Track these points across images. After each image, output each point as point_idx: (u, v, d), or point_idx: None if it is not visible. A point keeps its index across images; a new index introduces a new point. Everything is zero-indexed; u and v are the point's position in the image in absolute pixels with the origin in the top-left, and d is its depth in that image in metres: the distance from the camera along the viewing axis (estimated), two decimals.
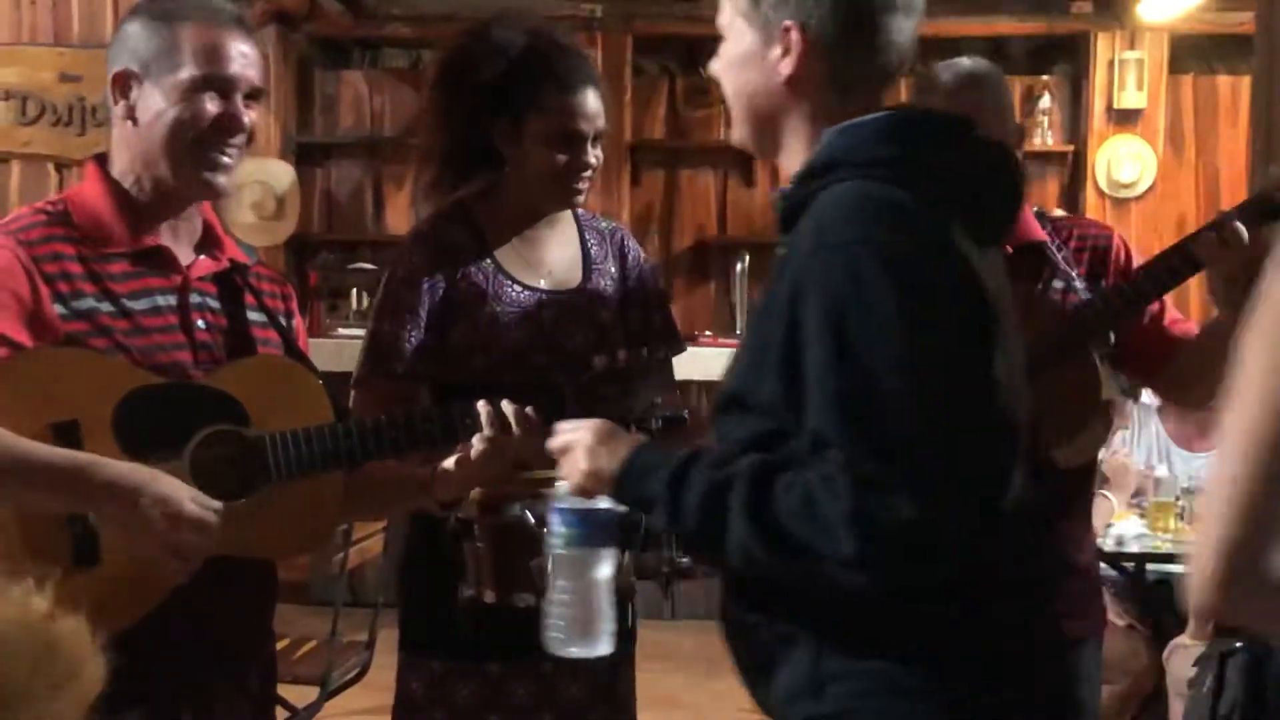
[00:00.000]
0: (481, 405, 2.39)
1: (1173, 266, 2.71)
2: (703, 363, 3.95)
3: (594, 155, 2.99)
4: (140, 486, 2.15)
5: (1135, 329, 2.85)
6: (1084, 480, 2.98)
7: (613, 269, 3.12)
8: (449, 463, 2.46)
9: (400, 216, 8.37)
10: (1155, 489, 5.01)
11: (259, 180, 7.61)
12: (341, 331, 7.66)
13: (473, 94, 2.98)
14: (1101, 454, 4.97)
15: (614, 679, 3.03)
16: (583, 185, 3.00)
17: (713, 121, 8.44)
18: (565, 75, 2.97)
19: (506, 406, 2.39)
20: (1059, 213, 7.72)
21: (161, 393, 2.27)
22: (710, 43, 7.49)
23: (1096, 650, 2.97)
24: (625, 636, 3.03)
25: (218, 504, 2.20)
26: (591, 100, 2.98)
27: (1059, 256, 2.91)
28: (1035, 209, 3.02)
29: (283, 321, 2.53)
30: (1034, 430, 2.70)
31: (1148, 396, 5.29)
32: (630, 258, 3.17)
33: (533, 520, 2.51)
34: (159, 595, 2.23)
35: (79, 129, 5.78)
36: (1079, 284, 2.88)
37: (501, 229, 3.03)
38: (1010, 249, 2.89)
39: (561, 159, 2.95)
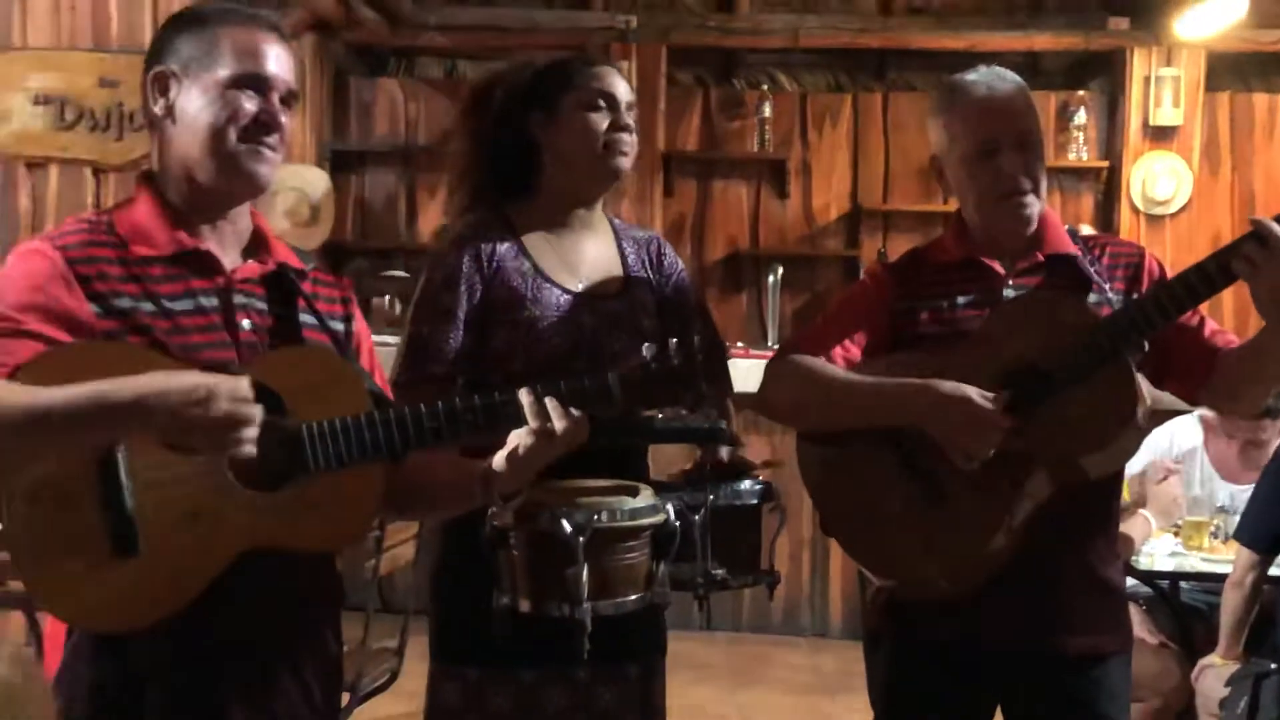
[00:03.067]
0: (524, 394, 2.36)
1: (1207, 275, 2.69)
2: (735, 375, 3.94)
3: (630, 122, 3.04)
4: (165, 384, 2.12)
5: (1175, 342, 2.83)
6: (1109, 494, 2.97)
7: (650, 277, 3.14)
8: (499, 460, 2.43)
9: (433, 224, 8.39)
10: (1190, 508, 4.99)
11: (294, 187, 7.64)
12: (374, 338, 7.66)
13: (505, 100, 3.08)
14: (1148, 470, 4.97)
15: (647, 688, 3.03)
16: (624, 151, 3.04)
17: (746, 133, 8.44)
18: (592, 59, 3.15)
19: (548, 399, 2.38)
20: (1088, 230, 7.76)
21: None
22: (745, 54, 7.58)
23: (1125, 666, 2.95)
24: (657, 646, 3.05)
25: (245, 380, 2.17)
26: (620, 77, 3.10)
27: (1092, 270, 2.91)
28: (1066, 226, 3.01)
29: (337, 325, 2.53)
30: (1066, 438, 2.73)
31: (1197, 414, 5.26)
32: (667, 265, 3.18)
33: (568, 529, 2.51)
34: (200, 584, 2.23)
35: (117, 134, 5.80)
36: (1113, 297, 2.87)
37: (539, 232, 3.06)
38: (1042, 258, 2.90)
39: (601, 118, 3.02)
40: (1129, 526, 4.70)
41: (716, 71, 8.66)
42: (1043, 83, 8.30)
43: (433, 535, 3.12)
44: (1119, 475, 2.98)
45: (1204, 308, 2.88)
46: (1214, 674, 4.52)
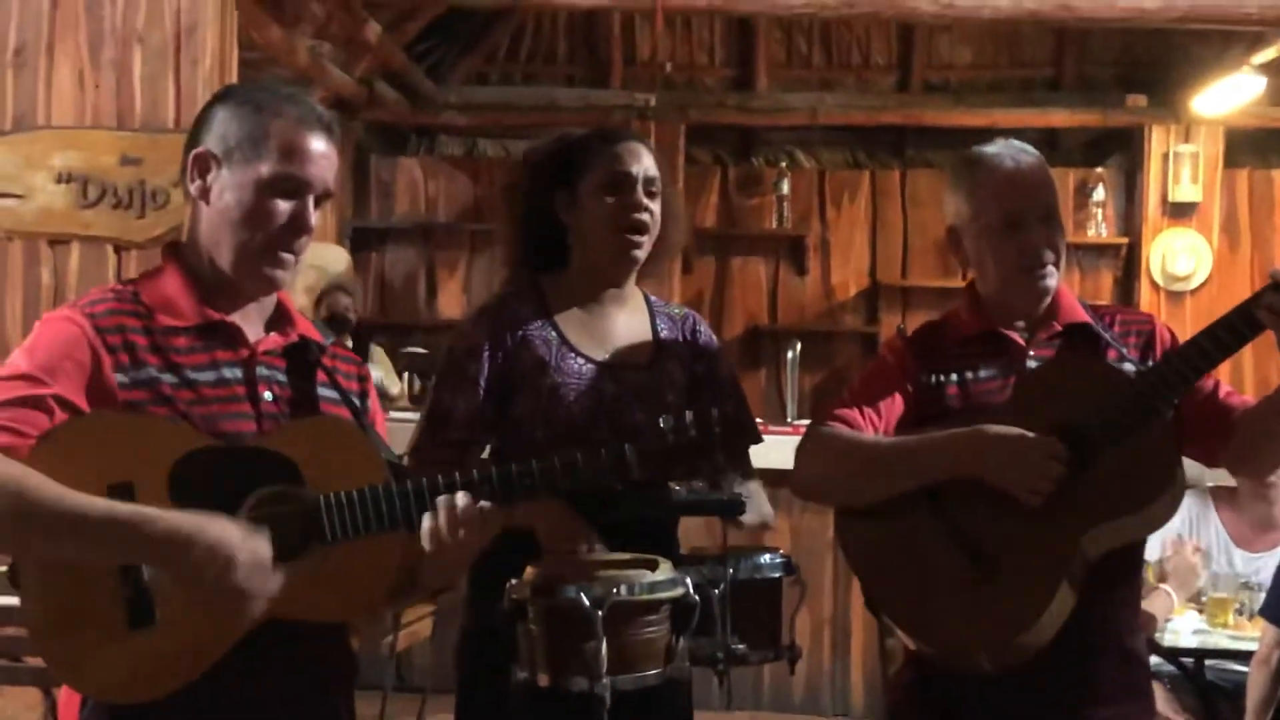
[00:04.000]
0: (442, 500, 2.33)
1: (1233, 327, 2.68)
2: (753, 450, 3.92)
3: (647, 201, 3.03)
4: (193, 535, 2.15)
5: (1192, 405, 2.82)
6: (1134, 563, 2.95)
7: (683, 354, 3.13)
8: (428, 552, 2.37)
9: (453, 301, 8.43)
10: (1214, 584, 4.95)
11: (314, 264, 7.64)
12: (393, 414, 7.66)
13: (532, 179, 3.10)
14: (1166, 549, 4.94)
15: None
16: (639, 233, 3.03)
17: (765, 210, 8.48)
18: (612, 133, 3.14)
19: (460, 499, 2.32)
20: (1098, 203, 7.76)
21: (216, 455, 2.27)
22: (763, 131, 7.61)
23: None
24: None
25: (268, 547, 2.19)
26: (639, 149, 3.09)
27: (1107, 335, 2.91)
28: (1077, 298, 3.01)
29: (355, 401, 2.53)
30: (1111, 500, 2.71)
31: (1205, 485, 5.24)
32: (702, 342, 3.18)
33: (587, 602, 2.49)
34: (215, 656, 2.23)
35: (139, 212, 5.81)
36: (1131, 364, 2.87)
37: (567, 302, 3.06)
38: (1059, 327, 2.89)
39: (617, 201, 3.02)
40: (1151, 604, 4.65)
41: (735, 149, 8.71)
42: (1061, 159, 8.33)
43: (457, 608, 3.10)
44: (1141, 545, 2.96)
45: (1224, 373, 2.88)
46: None
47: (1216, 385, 2.87)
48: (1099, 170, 8.41)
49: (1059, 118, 8.20)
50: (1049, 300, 2.92)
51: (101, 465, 2.22)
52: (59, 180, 5.86)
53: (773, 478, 3.11)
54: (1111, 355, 2.89)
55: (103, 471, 2.21)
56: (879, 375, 3.01)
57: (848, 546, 2.93)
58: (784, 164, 8.53)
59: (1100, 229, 8.31)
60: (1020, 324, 2.93)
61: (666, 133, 8.19)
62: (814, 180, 8.57)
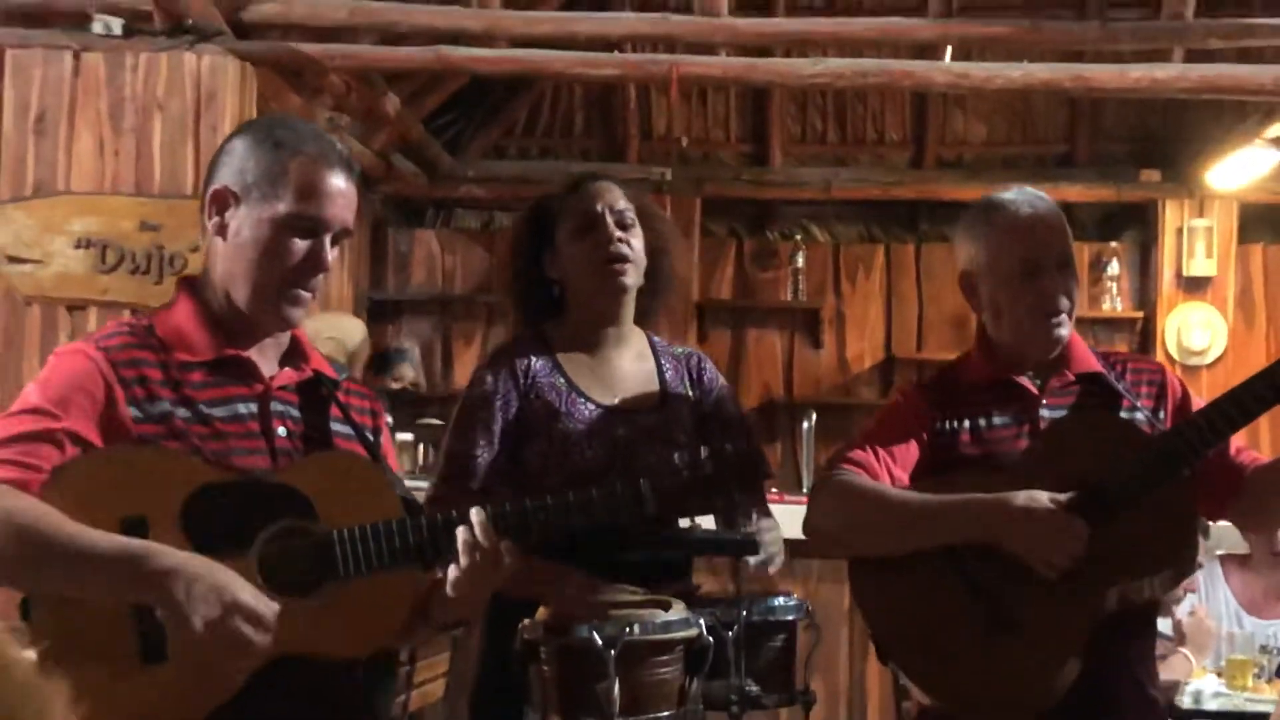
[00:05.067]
0: (474, 512, 2.34)
1: (1257, 393, 2.69)
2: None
3: (619, 233, 3.08)
4: (196, 575, 2.15)
5: (1203, 461, 2.81)
6: (1151, 612, 2.94)
7: (690, 394, 3.14)
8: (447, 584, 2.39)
9: (469, 373, 8.43)
10: (1232, 646, 4.91)
11: (330, 336, 7.66)
12: (407, 484, 7.64)
13: (518, 241, 3.23)
14: (1181, 613, 4.90)
15: None
16: (618, 265, 3.07)
17: (779, 283, 8.50)
18: (578, 180, 3.21)
19: (478, 529, 2.34)
20: (1112, 278, 7.74)
21: (230, 489, 2.28)
22: (778, 205, 7.65)
23: None
24: None
25: (275, 605, 2.18)
26: (604, 186, 3.15)
27: (1120, 386, 2.90)
28: (1089, 346, 3.02)
29: (369, 436, 2.52)
30: (1132, 558, 2.70)
31: (1215, 554, 5.22)
32: (707, 381, 3.18)
33: (600, 641, 2.48)
34: (226, 693, 2.21)
35: (156, 277, 5.85)
36: (1143, 415, 2.86)
37: (574, 349, 3.10)
38: (1072, 376, 2.89)
39: (590, 242, 3.08)
40: (1170, 668, 4.62)
41: (750, 222, 8.75)
42: (1075, 234, 8.21)
43: (471, 653, 3.09)
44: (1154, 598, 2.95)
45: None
46: None
47: (1228, 441, 2.87)
48: (1114, 245, 8.43)
49: (1073, 193, 8.21)
50: (1061, 348, 2.92)
51: (114, 499, 2.22)
52: (77, 245, 5.91)
53: (790, 548, 3.09)
54: (1124, 405, 2.89)
55: (115, 506, 2.22)
56: (894, 420, 3.01)
57: (861, 595, 2.91)
58: (799, 237, 8.56)
59: (1115, 303, 8.31)
60: (1031, 372, 2.93)
61: (682, 206, 8.23)
62: (829, 254, 8.60)
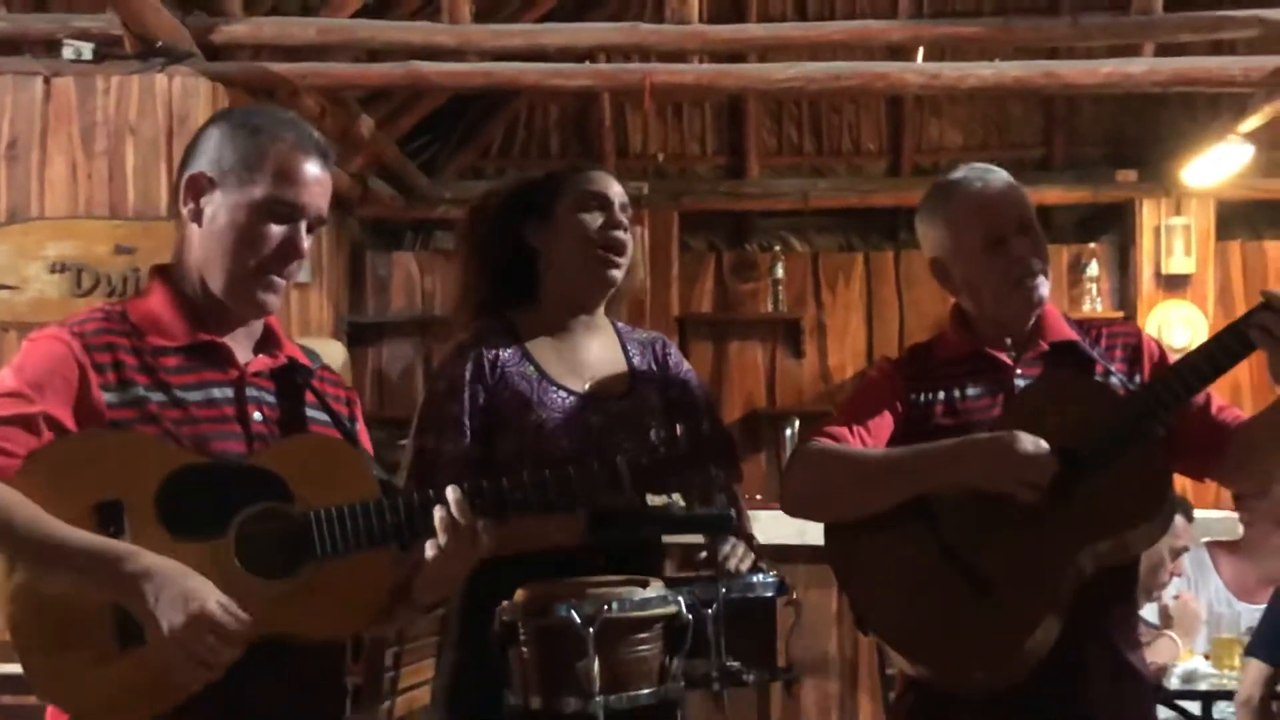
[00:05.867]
0: (450, 491, 2.32)
1: (1225, 345, 2.68)
2: (755, 525, 3.88)
3: (624, 221, 3.04)
4: (166, 582, 2.13)
5: (1185, 420, 2.81)
6: (1128, 579, 2.91)
7: (658, 378, 3.12)
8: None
9: None
10: (1218, 626, 4.91)
11: None
12: None
13: (501, 210, 3.11)
14: (1168, 597, 4.90)
15: None
16: (619, 249, 3.03)
17: (760, 294, 8.51)
18: (583, 166, 3.15)
19: (454, 507, 2.32)
20: (1092, 278, 7.75)
21: (205, 471, 2.26)
22: (756, 217, 7.63)
23: None
24: None
25: (245, 616, 2.16)
26: (610, 178, 3.10)
27: (1094, 352, 2.90)
28: (1063, 313, 3.01)
29: (345, 424, 2.51)
30: (1107, 516, 2.69)
31: (1202, 542, 5.22)
32: (673, 365, 3.16)
33: (578, 619, 2.45)
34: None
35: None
36: (1118, 379, 2.86)
37: (542, 336, 3.05)
38: (1045, 346, 2.89)
39: (595, 219, 3.02)
40: (1157, 652, 4.62)
41: (728, 235, 8.77)
42: (1054, 237, 8.34)
43: (447, 642, 3.06)
44: (1135, 563, 2.93)
45: (1217, 388, 2.87)
46: None
47: (1209, 400, 2.86)
48: (1092, 246, 8.45)
49: (1051, 195, 8.22)
50: (1035, 318, 2.92)
51: (89, 483, 2.20)
52: (53, 270, 5.90)
53: (776, 553, 3.07)
54: (1098, 370, 2.89)
55: (90, 489, 2.20)
56: (868, 394, 3.01)
57: (838, 563, 2.90)
58: (778, 248, 8.58)
59: (1095, 304, 8.32)
60: (1008, 343, 2.92)
61: (661, 220, 8.24)
62: (808, 264, 8.62)
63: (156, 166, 5.86)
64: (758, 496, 7.68)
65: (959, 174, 2.96)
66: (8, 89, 5.86)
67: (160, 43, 5.79)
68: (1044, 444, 2.69)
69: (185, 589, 2.13)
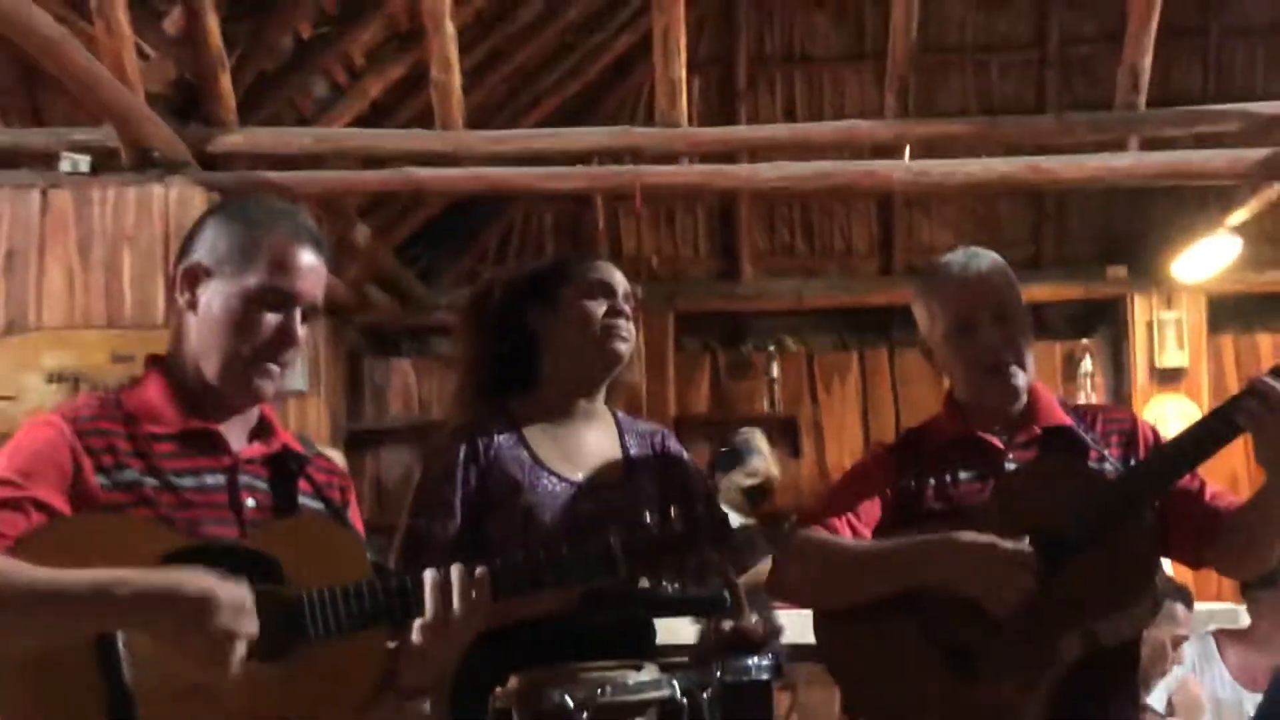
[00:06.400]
0: (428, 574, 2.32)
1: (1212, 429, 2.69)
2: None
3: (629, 314, 3.07)
4: (170, 591, 2.11)
5: (1177, 506, 2.82)
6: (1130, 660, 2.91)
7: (655, 469, 3.12)
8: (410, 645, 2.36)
9: None
10: (1219, 714, 4.89)
11: None
12: None
13: (504, 297, 3.12)
14: (1172, 686, 4.88)
15: None
16: (623, 336, 3.05)
17: (756, 394, 8.54)
18: (587, 255, 3.26)
19: (455, 577, 2.32)
20: (1086, 374, 7.76)
21: (198, 555, 2.25)
22: (751, 318, 7.63)
23: None
24: None
25: (246, 592, 2.15)
26: (616, 270, 3.13)
27: (1088, 438, 2.91)
28: (1058, 398, 3.03)
29: (338, 510, 2.52)
30: (1089, 601, 2.69)
31: (1209, 630, 5.21)
32: (672, 456, 3.17)
33: (572, 704, 2.45)
34: None
35: None
36: (1111, 465, 2.87)
37: (540, 422, 3.06)
38: (1039, 430, 2.90)
39: (599, 305, 3.04)
40: None
41: (724, 335, 8.81)
42: (1047, 334, 8.40)
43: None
44: (1136, 643, 2.93)
45: (1214, 477, 2.89)
46: None
47: (1203, 486, 2.87)
48: (1085, 342, 8.49)
49: (1042, 293, 8.27)
50: (1021, 401, 2.94)
51: (84, 565, 2.20)
52: (50, 380, 5.91)
53: (769, 585, 3.06)
54: (1093, 456, 2.90)
55: None
56: (858, 480, 3.02)
57: (826, 649, 2.91)
58: (773, 348, 8.62)
59: (1091, 399, 8.33)
60: (998, 427, 2.94)
61: (656, 322, 8.28)
62: (803, 363, 8.66)
63: (154, 275, 5.89)
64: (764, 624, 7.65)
65: (949, 255, 3.00)
66: (5, 201, 5.90)
67: (156, 153, 5.86)
68: (1025, 554, 2.70)
69: (191, 592, 2.11)
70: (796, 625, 3.00)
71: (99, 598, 2.11)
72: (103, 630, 2.15)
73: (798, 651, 3.03)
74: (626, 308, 3.09)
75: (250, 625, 2.15)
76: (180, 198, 5.88)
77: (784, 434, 8.53)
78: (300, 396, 7.60)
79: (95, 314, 5.90)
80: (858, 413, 8.56)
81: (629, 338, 3.08)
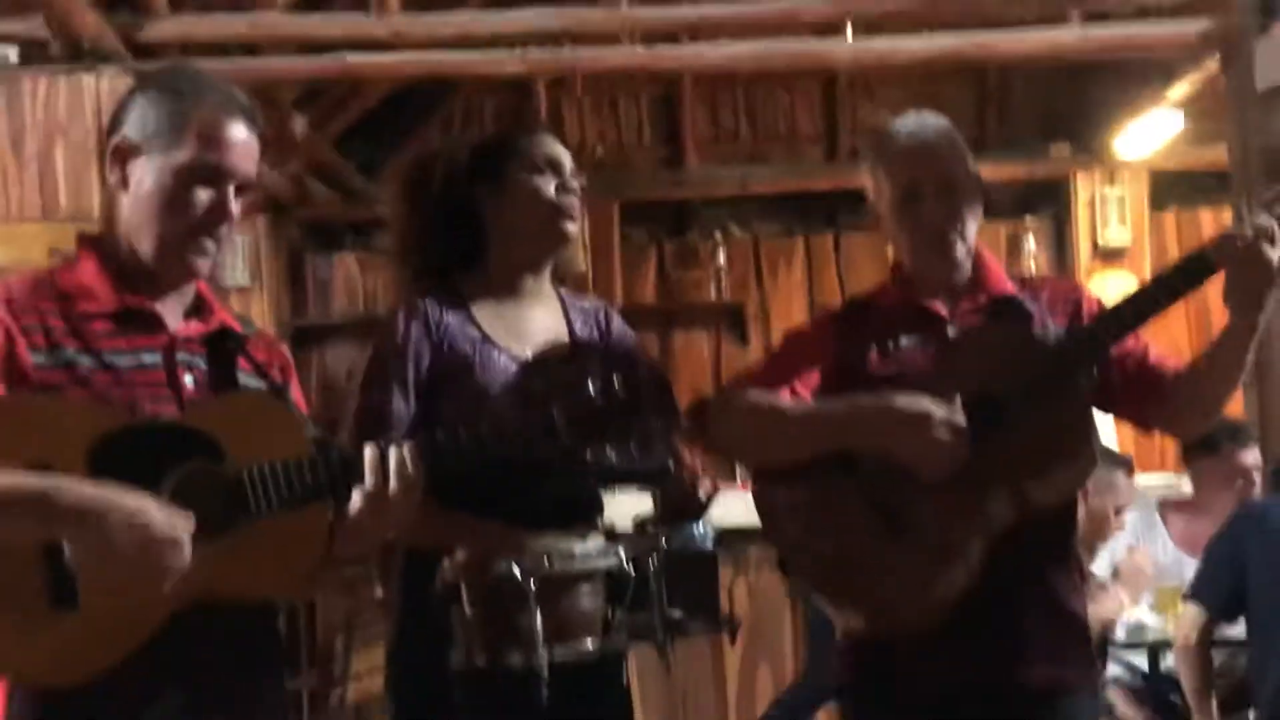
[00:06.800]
0: (367, 448, 2.32)
1: (1168, 283, 2.71)
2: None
3: (576, 190, 3.03)
4: (108, 505, 2.10)
5: (1124, 368, 2.83)
6: (1067, 525, 2.93)
7: (599, 346, 3.11)
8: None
9: None
10: (1161, 577, 4.94)
11: None
12: None
13: (448, 176, 3.06)
14: (1119, 555, 4.93)
15: None
16: (572, 214, 3.02)
17: (703, 282, 8.52)
18: (532, 128, 3.15)
19: (393, 454, 2.32)
20: (1030, 254, 7.81)
21: (135, 433, 2.24)
22: (696, 206, 7.62)
23: (1092, 702, 2.92)
24: (623, 710, 2.97)
25: (189, 517, 2.15)
26: (560, 144, 3.10)
27: (1033, 308, 2.91)
28: (1005, 269, 3.03)
29: (279, 387, 2.49)
30: (1021, 465, 2.71)
31: (1153, 499, 5.27)
32: (615, 331, 3.16)
33: (519, 574, 2.46)
34: (141, 637, 2.18)
35: None
36: (1055, 333, 2.87)
37: (487, 300, 3.03)
38: (984, 300, 2.90)
39: (547, 182, 3.01)
40: (1102, 606, 4.64)
41: (669, 225, 8.76)
42: (990, 214, 8.35)
43: (393, 609, 3.04)
44: (1073, 506, 2.95)
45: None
46: None
47: (1147, 350, 2.88)
48: (1028, 220, 8.48)
49: (985, 173, 8.10)
50: (964, 272, 2.94)
51: (17, 446, 2.18)
52: None
53: (728, 538, 3.08)
54: (1036, 324, 2.90)
55: (19, 453, 2.18)
56: (800, 342, 3.04)
57: (763, 509, 2.93)
58: (718, 236, 8.59)
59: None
60: (943, 296, 2.94)
61: (601, 212, 8.22)
62: (749, 250, 8.63)
63: (87, 168, 5.80)
64: (707, 479, 7.67)
65: (899, 121, 2.97)
66: None
67: (86, 43, 5.74)
68: (960, 425, 2.69)
69: (127, 509, 2.11)
70: (749, 506, 2.99)
71: (37, 502, 2.12)
72: (37, 535, 2.14)
73: (749, 534, 3.03)
74: (575, 184, 3.05)
75: (183, 558, 2.13)
76: (112, 89, 5.76)
77: (731, 322, 8.52)
78: (243, 292, 7.54)
79: (30, 208, 5.82)
80: (804, 299, 8.55)
81: (576, 216, 3.05)
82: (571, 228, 3.04)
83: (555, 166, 3.04)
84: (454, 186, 3.06)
